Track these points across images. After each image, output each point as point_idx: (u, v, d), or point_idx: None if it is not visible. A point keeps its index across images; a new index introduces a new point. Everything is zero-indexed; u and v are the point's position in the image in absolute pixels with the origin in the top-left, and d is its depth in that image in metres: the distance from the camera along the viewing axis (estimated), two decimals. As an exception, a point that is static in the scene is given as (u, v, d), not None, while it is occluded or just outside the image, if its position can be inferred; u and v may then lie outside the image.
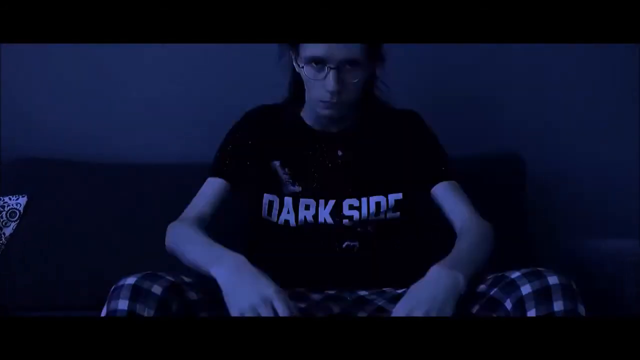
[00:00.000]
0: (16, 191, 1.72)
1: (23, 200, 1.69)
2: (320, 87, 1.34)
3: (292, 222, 1.41)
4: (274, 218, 1.42)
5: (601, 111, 1.91)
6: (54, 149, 1.84)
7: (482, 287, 1.19)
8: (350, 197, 1.42)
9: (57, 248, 1.64)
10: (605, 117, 1.91)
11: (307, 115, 1.46)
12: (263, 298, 1.13)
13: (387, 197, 1.41)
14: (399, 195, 1.41)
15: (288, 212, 1.42)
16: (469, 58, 1.85)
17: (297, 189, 1.43)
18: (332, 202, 1.42)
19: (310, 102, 1.41)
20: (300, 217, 1.41)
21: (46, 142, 1.86)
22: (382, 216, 1.41)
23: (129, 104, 1.87)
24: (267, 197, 1.42)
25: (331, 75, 1.32)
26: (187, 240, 1.31)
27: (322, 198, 1.42)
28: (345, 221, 1.40)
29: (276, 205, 1.42)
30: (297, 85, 1.46)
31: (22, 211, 1.68)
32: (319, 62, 1.33)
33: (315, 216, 1.41)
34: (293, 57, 1.40)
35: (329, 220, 1.41)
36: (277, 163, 1.44)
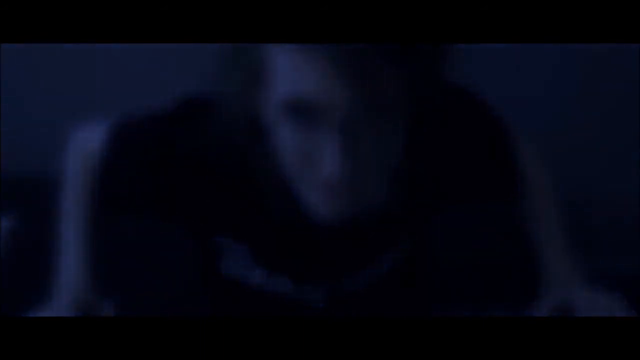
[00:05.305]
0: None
1: (4, 223, 1.62)
2: (312, 163, 0.70)
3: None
4: (239, 272, 0.95)
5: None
6: (39, 166, 1.76)
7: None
8: (359, 268, 0.94)
9: (45, 275, 1.57)
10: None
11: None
12: None
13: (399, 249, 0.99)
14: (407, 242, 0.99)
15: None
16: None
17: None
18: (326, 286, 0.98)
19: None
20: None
21: (31, 157, 1.77)
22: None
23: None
24: (216, 240, 0.92)
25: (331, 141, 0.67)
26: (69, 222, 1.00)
27: (309, 284, 0.95)
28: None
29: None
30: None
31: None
32: (305, 112, 0.67)
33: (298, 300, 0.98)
34: (257, 99, 0.74)
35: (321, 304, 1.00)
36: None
